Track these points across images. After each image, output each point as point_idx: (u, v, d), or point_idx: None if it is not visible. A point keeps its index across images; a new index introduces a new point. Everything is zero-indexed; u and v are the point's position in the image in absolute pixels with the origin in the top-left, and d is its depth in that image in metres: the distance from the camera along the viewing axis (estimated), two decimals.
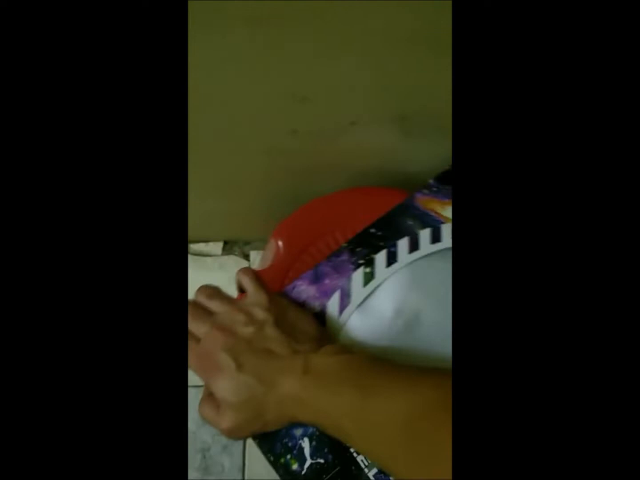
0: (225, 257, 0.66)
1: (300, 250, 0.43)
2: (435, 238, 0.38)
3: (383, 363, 0.29)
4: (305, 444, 0.33)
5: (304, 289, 0.36)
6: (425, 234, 0.38)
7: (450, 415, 0.19)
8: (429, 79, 0.37)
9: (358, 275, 0.37)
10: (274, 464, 0.33)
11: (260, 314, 0.32)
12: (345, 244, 0.37)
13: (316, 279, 0.36)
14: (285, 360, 0.30)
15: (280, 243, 0.43)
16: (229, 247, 0.66)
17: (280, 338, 0.31)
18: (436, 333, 0.36)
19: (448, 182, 0.39)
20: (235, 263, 0.65)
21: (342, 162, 0.48)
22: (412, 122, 0.42)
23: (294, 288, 0.37)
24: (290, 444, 0.33)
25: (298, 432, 0.33)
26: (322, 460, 0.32)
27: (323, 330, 0.34)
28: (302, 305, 0.36)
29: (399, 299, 0.36)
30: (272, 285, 0.41)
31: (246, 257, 0.66)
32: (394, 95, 0.39)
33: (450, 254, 0.38)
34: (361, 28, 0.32)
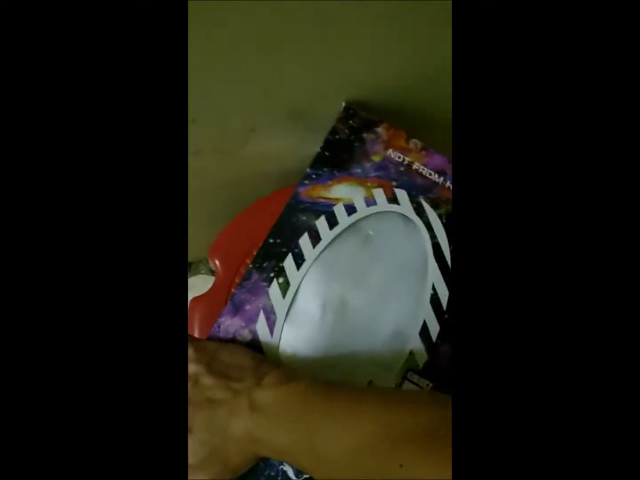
0: (193, 278, 0.67)
1: (238, 263, 0.43)
2: (332, 223, 0.38)
3: (325, 387, 0.30)
4: (287, 467, 0.33)
5: (229, 324, 0.36)
6: (321, 223, 0.38)
7: (394, 442, 0.20)
8: (314, 74, 0.38)
9: (274, 289, 0.36)
10: None
11: (190, 367, 0.32)
12: (251, 265, 0.37)
13: (236, 310, 0.36)
14: (229, 403, 0.30)
15: (217, 262, 0.43)
16: (194, 267, 0.68)
17: (218, 383, 0.31)
18: (364, 310, 0.37)
19: (323, 164, 0.39)
20: (203, 281, 0.67)
21: (259, 169, 0.48)
22: (308, 116, 0.42)
23: (219, 327, 0.36)
24: (272, 474, 0.33)
25: None
26: (307, 475, 0.33)
27: (260, 359, 0.34)
28: (232, 340, 0.36)
29: (320, 293, 0.37)
30: (218, 304, 0.41)
31: (213, 273, 0.68)
32: (283, 94, 0.39)
33: (352, 230, 0.38)
34: (231, 34, 0.32)
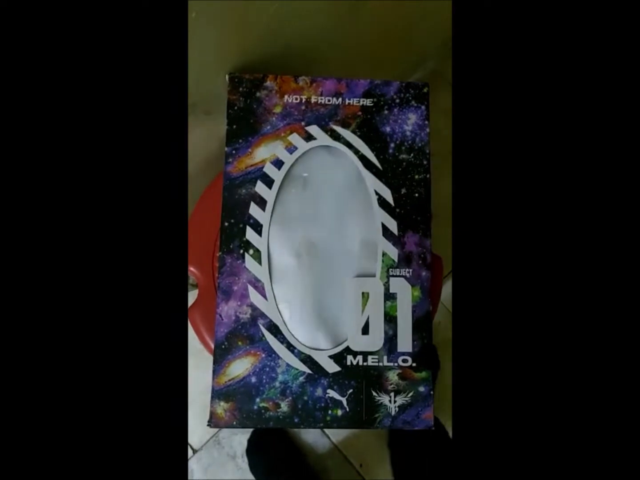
0: None
1: (210, 260, 0.46)
2: (269, 182, 0.41)
3: None
4: (333, 392, 0.38)
5: (227, 309, 0.39)
6: (260, 187, 0.41)
7: None
8: (205, 73, 0.40)
9: (249, 261, 0.40)
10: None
11: None
12: (220, 253, 0.40)
13: (227, 295, 0.39)
14: None
15: (192, 269, 0.46)
16: None
17: None
18: (330, 239, 0.41)
19: (236, 137, 0.42)
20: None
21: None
22: (204, 105, 0.45)
23: (221, 316, 0.40)
24: (319, 396, 0.38)
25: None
26: (351, 390, 0.38)
27: None
28: (237, 321, 0.39)
29: (288, 245, 0.40)
30: (211, 301, 0.44)
31: (193, 286, 0.69)
32: None
33: (288, 179, 0.41)
34: None
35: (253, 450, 0.93)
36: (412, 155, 0.41)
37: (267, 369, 0.38)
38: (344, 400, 0.38)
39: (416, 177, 0.41)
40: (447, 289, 0.91)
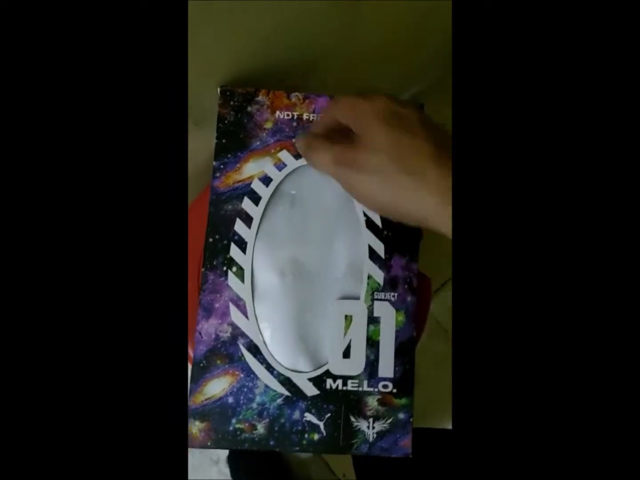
0: None
1: (196, 275, 0.44)
2: (256, 199, 0.40)
3: None
4: (310, 416, 0.37)
5: (208, 326, 0.39)
6: (247, 204, 0.40)
7: None
8: (196, 83, 0.39)
9: (232, 279, 0.39)
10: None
11: None
12: (203, 269, 0.39)
13: (208, 312, 0.39)
14: None
15: None
16: None
17: None
18: (316, 260, 0.40)
19: (225, 152, 0.41)
20: None
21: None
22: (194, 116, 0.45)
23: (200, 333, 0.39)
24: (296, 419, 0.37)
25: None
26: (329, 415, 0.37)
27: None
28: (217, 338, 0.39)
29: (273, 263, 0.40)
30: (193, 316, 0.42)
31: None
32: None
33: (276, 197, 0.41)
34: None
35: (236, 457, 0.93)
36: None
37: (245, 390, 0.38)
38: (321, 425, 0.37)
39: None
40: (437, 303, 0.91)
